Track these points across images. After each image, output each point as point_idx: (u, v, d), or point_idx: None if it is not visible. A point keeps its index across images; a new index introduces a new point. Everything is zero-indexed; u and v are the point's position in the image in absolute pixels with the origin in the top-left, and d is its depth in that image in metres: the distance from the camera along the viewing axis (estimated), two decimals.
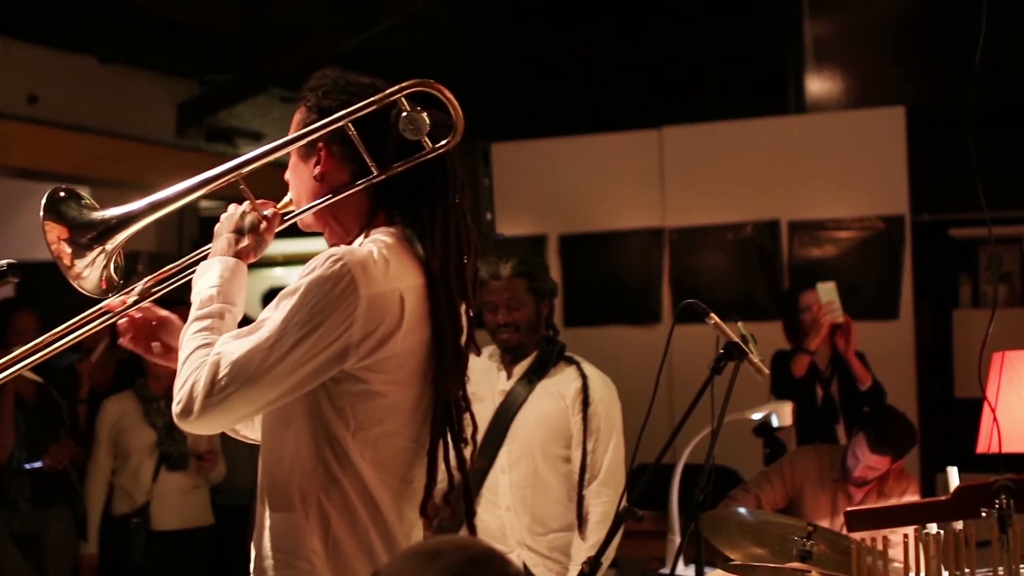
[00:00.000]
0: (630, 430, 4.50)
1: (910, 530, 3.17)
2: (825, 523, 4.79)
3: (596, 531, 4.32)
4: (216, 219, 2.73)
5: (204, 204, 9.11)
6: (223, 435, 2.81)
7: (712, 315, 3.37)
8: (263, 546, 2.58)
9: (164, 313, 2.82)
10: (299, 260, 7.60)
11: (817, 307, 6.05)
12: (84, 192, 2.76)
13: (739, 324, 3.40)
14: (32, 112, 7.88)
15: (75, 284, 2.69)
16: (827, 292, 6.06)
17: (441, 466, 2.59)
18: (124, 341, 2.80)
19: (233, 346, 2.45)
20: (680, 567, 3.94)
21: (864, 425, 4.93)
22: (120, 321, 2.77)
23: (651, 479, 3.26)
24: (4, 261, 2.62)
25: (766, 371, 3.42)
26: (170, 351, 2.78)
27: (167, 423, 5.92)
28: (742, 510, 4.17)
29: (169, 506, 6.04)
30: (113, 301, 2.75)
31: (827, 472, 5.07)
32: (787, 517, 4.55)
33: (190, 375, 2.46)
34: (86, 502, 5.97)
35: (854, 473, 4.88)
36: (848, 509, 3.68)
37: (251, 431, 2.82)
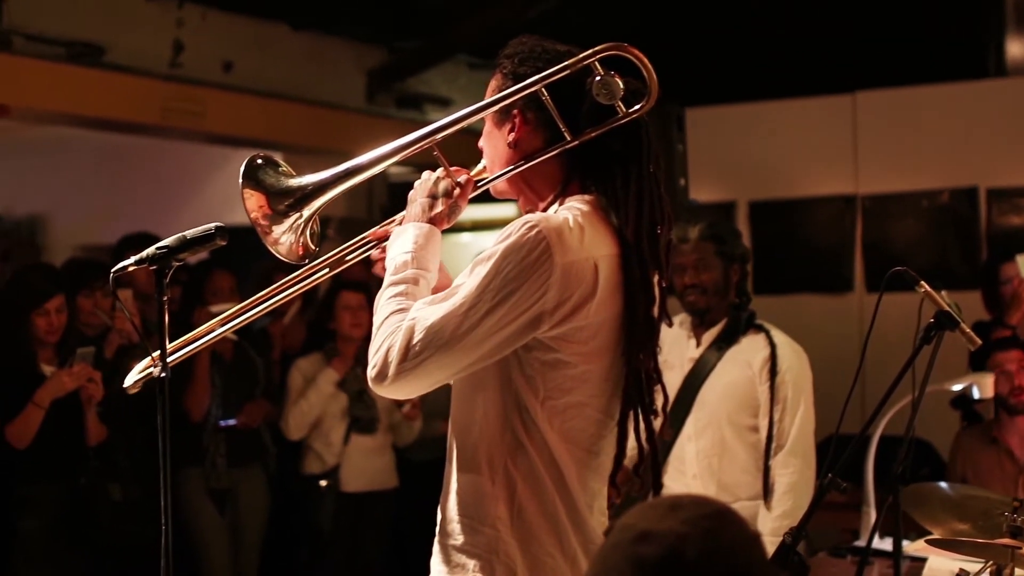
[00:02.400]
0: (819, 399, 4.42)
1: None
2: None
3: (783, 501, 4.25)
4: (406, 185, 2.74)
5: (394, 170, 9.19)
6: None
7: (923, 283, 3.27)
8: (448, 509, 2.60)
9: None
10: (488, 226, 7.63)
11: (1018, 280, 5.84)
12: (280, 159, 2.80)
13: (943, 294, 3.30)
14: (227, 79, 8.06)
15: (272, 250, 2.73)
16: None
17: (631, 437, 2.57)
18: (378, 268, 2.78)
19: (428, 312, 2.46)
20: (876, 540, 3.87)
21: None
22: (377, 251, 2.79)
23: (854, 450, 3.18)
24: (212, 224, 2.67)
25: (978, 341, 3.32)
26: None
27: (359, 388, 6.00)
28: (943, 484, 4.05)
29: (358, 468, 6.13)
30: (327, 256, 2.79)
31: (984, 442, 4.96)
32: (991, 492, 4.42)
33: (385, 340, 2.48)
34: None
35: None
36: None
37: None
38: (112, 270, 2.72)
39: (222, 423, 5.92)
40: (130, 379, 2.89)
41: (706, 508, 1.72)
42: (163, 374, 2.65)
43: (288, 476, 6.26)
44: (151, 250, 2.67)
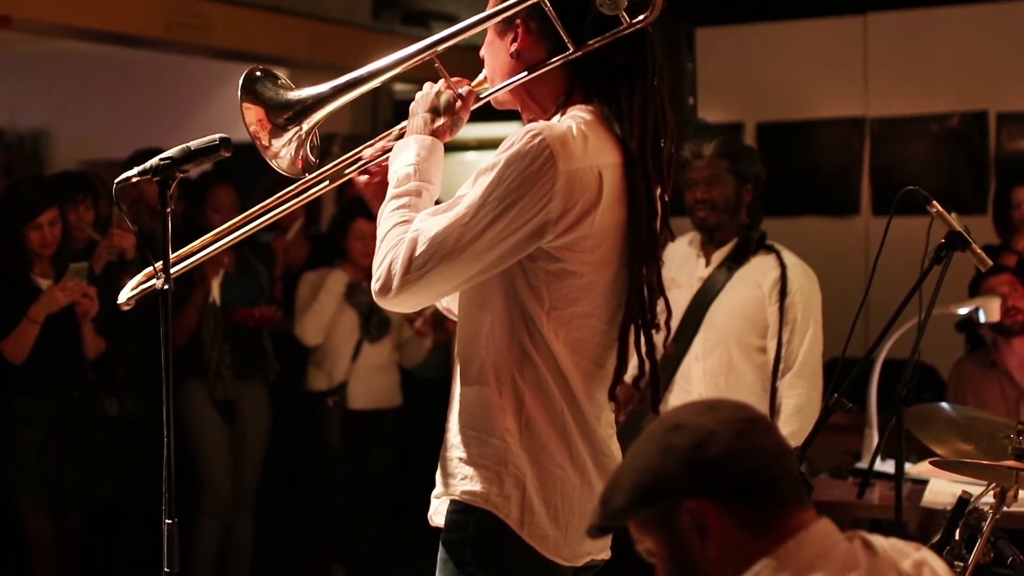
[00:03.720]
0: (824, 322, 4.41)
1: None
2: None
3: (789, 423, 4.25)
4: (411, 102, 2.71)
5: (399, 87, 9.15)
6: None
7: (934, 203, 3.25)
8: (456, 422, 2.59)
9: None
10: (492, 145, 7.57)
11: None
12: (281, 73, 2.77)
13: (954, 215, 3.28)
14: None
15: (272, 163, 2.72)
16: None
17: (633, 351, 2.56)
18: (370, 189, 2.79)
19: (431, 223, 2.44)
20: (877, 463, 3.87)
21: None
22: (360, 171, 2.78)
23: (859, 373, 3.18)
24: (216, 135, 2.65)
25: (989, 262, 3.30)
26: None
27: (369, 303, 5.99)
28: (946, 405, 4.04)
29: (365, 385, 6.13)
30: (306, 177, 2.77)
31: (983, 368, 4.95)
32: (997, 415, 4.42)
33: (388, 252, 2.47)
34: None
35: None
36: None
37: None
38: (115, 181, 2.70)
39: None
40: (128, 293, 2.89)
41: (742, 412, 1.77)
42: (166, 286, 2.63)
43: (293, 392, 6.26)
44: (154, 161, 2.65)
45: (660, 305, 2.60)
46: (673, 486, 1.69)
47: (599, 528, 1.81)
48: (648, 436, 1.76)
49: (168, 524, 2.60)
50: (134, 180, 2.69)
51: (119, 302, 2.89)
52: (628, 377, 2.59)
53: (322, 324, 6.03)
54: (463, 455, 2.56)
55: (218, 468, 5.79)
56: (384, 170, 2.71)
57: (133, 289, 2.89)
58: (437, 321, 6.22)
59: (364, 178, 2.79)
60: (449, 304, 2.83)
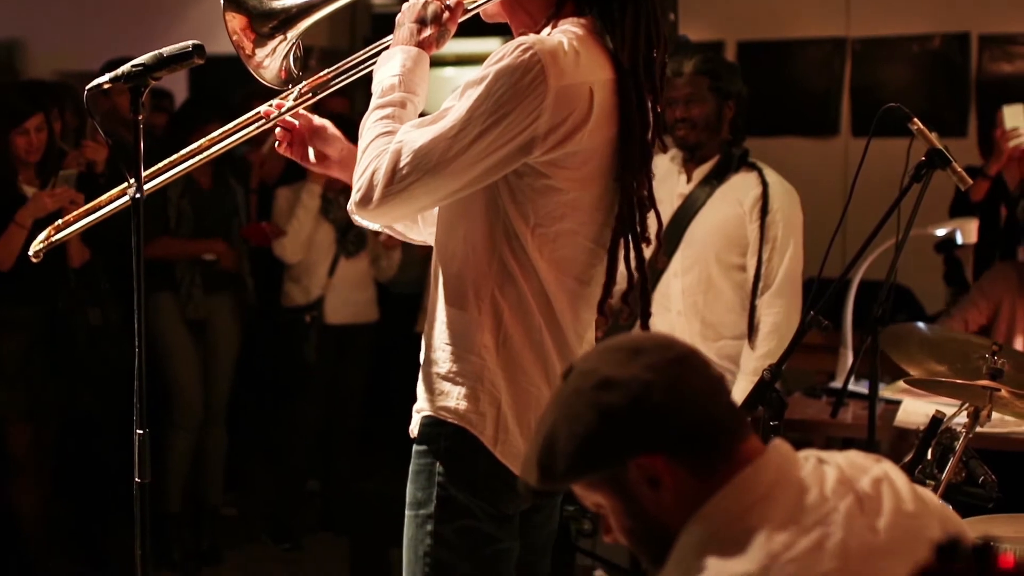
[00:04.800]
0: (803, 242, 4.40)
1: None
2: (1021, 340, 4.69)
3: (767, 341, 4.26)
4: (390, 16, 2.67)
5: (377, 0, 9.06)
6: None
7: (915, 120, 3.23)
8: (434, 338, 2.58)
9: (320, 121, 2.81)
10: (472, 61, 7.51)
11: (1000, 131, 5.74)
12: None
13: (935, 135, 3.26)
14: None
15: (255, 74, 2.70)
16: (1012, 116, 5.70)
17: (621, 266, 2.55)
18: (281, 148, 2.81)
19: (415, 135, 2.41)
20: (851, 383, 3.88)
21: None
22: (277, 130, 2.77)
23: (835, 293, 3.18)
24: (189, 42, 2.61)
25: (969, 180, 3.29)
26: (326, 159, 2.79)
27: (346, 217, 5.95)
28: (921, 325, 4.06)
29: (341, 300, 6.12)
30: (267, 107, 2.76)
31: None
32: (972, 335, 4.44)
33: (371, 163, 2.44)
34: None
35: None
36: None
37: (414, 232, 2.80)
38: (86, 88, 2.66)
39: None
40: (37, 245, 2.88)
41: (670, 353, 1.71)
42: (138, 195, 2.60)
43: (269, 307, 6.25)
44: (126, 68, 2.61)
45: (650, 218, 2.59)
46: (618, 447, 1.65)
47: (538, 493, 1.75)
48: (575, 393, 1.69)
49: (139, 434, 2.60)
50: (105, 87, 2.65)
51: (30, 252, 2.90)
52: (616, 292, 2.58)
53: (301, 242, 6.02)
54: (440, 371, 2.55)
55: (188, 383, 5.81)
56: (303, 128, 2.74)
57: (42, 243, 2.90)
58: None
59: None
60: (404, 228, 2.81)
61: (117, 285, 5.34)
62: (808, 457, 1.71)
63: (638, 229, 2.55)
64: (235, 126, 2.80)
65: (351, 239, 6.08)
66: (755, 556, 1.54)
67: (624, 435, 1.65)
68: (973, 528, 2.86)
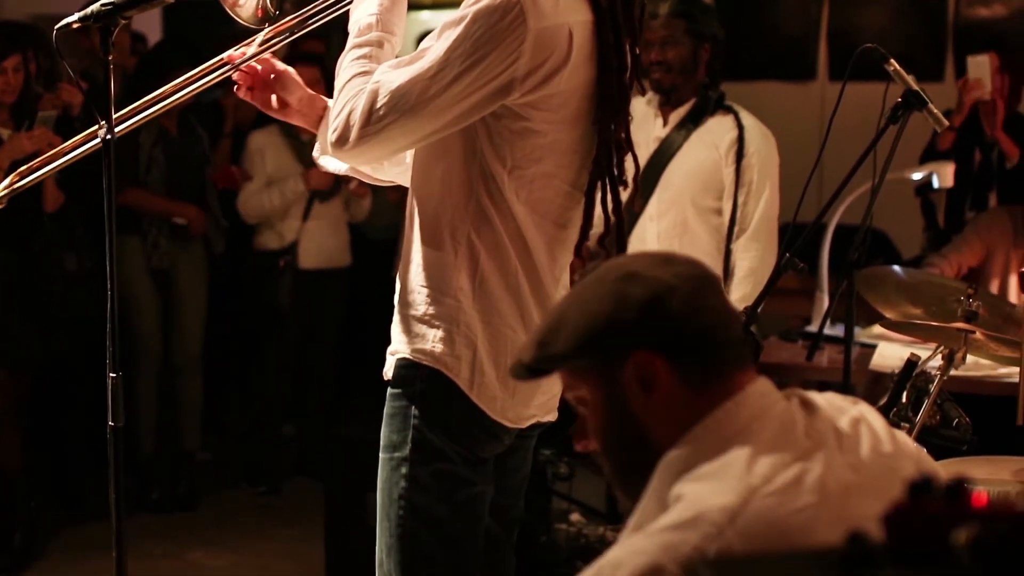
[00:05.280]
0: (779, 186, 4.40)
1: None
2: (1012, 285, 4.70)
3: (742, 285, 4.26)
4: None
5: None
6: None
7: (892, 61, 3.22)
8: (409, 280, 2.57)
9: (282, 67, 2.78)
10: (449, 4, 7.44)
11: (962, 82, 5.69)
12: None
13: (912, 78, 3.25)
14: None
15: (232, 12, 2.67)
16: (977, 67, 5.63)
17: (598, 209, 2.55)
18: (241, 93, 2.78)
19: (393, 75, 2.40)
20: (827, 327, 3.89)
21: None
22: (236, 74, 2.74)
23: (810, 236, 3.18)
24: None
25: (945, 122, 3.29)
26: (286, 106, 2.76)
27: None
28: (897, 269, 4.06)
29: (315, 244, 6.10)
30: (233, 52, 2.73)
31: (1021, 232, 4.95)
32: (947, 279, 4.45)
33: (347, 103, 2.43)
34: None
35: None
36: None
37: (380, 173, 2.78)
38: (55, 28, 2.63)
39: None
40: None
41: (698, 269, 1.74)
42: (108, 136, 2.58)
43: (242, 252, 6.22)
44: (95, 7, 2.57)
45: (628, 161, 2.58)
46: (626, 335, 1.67)
47: (531, 370, 1.75)
48: (597, 281, 1.72)
49: (112, 378, 2.59)
50: (75, 27, 2.61)
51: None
52: (593, 236, 2.58)
53: (262, 214, 6.02)
54: (415, 313, 2.54)
55: (147, 331, 5.81)
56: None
57: (5, 188, 2.87)
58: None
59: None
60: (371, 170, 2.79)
61: (92, 230, 5.30)
62: (791, 395, 1.72)
63: (615, 172, 2.54)
64: (201, 71, 2.77)
65: (326, 191, 6.04)
66: (734, 488, 1.54)
67: (634, 325, 1.66)
68: (947, 470, 2.88)
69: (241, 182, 5.98)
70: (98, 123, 2.60)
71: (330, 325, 6.34)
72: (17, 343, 5.13)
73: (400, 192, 2.71)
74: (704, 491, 1.56)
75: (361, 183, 6.00)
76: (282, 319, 6.11)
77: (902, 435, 1.77)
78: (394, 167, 2.72)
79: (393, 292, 2.63)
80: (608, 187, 2.54)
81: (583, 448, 1.78)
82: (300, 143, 5.95)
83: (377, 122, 2.38)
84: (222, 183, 6.02)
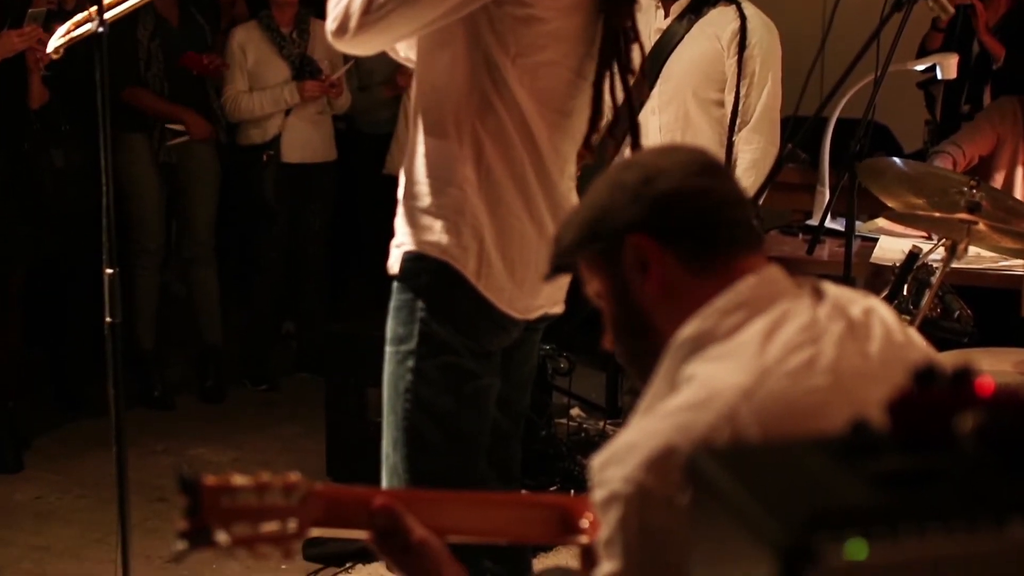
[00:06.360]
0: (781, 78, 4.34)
1: None
2: (1019, 177, 4.67)
3: (744, 177, 4.21)
4: None
5: None
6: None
7: None
8: (414, 171, 2.54)
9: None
10: None
11: None
12: None
13: None
14: None
15: None
16: None
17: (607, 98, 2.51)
18: None
19: None
20: (828, 220, 3.87)
21: None
22: None
23: (812, 128, 3.14)
24: None
25: (951, 9, 3.24)
26: None
27: (300, 54, 5.90)
28: (898, 160, 4.02)
29: (299, 138, 6.05)
30: None
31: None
32: (949, 171, 4.41)
33: None
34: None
35: None
36: None
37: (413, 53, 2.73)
38: None
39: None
40: (56, 41, 2.81)
41: (699, 157, 1.74)
42: (100, 29, 2.54)
43: (226, 146, 6.17)
44: None
45: (634, 49, 2.55)
46: (617, 220, 1.68)
47: (551, 266, 1.82)
48: (604, 175, 1.75)
49: (109, 273, 2.57)
50: None
51: (48, 51, 2.81)
52: (602, 125, 2.55)
53: (252, 118, 5.98)
54: (421, 205, 2.52)
55: (151, 222, 5.81)
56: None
57: (62, 37, 2.81)
58: (388, 80, 6.17)
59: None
60: (408, 53, 2.74)
61: (77, 126, 5.25)
62: (803, 283, 1.71)
63: (623, 60, 2.51)
64: None
65: (306, 75, 5.98)
66: (748, 367, 1.53)
67: (624, 208, 1.68)
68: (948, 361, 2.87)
69: (212, 69, 5.88)
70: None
71: (318, 220, 6.31)
72: (8, 240, 5.10)
73: (394, 88, 2.67)
74: (717, 371, 1.55)
75: (340, 79, 6.01)
76: (268, 215, 6.09)
77: (912, 329, 1.76)
78: (410, 51, 2.66)
79: (386, 188, 2.60)
80: (615, 76, 2.51)
81: (608, 344, 1.77)
82: (280, 37, 5.91)
83: (378, 10, 2.33)
84: (196, 70, 5.85)
